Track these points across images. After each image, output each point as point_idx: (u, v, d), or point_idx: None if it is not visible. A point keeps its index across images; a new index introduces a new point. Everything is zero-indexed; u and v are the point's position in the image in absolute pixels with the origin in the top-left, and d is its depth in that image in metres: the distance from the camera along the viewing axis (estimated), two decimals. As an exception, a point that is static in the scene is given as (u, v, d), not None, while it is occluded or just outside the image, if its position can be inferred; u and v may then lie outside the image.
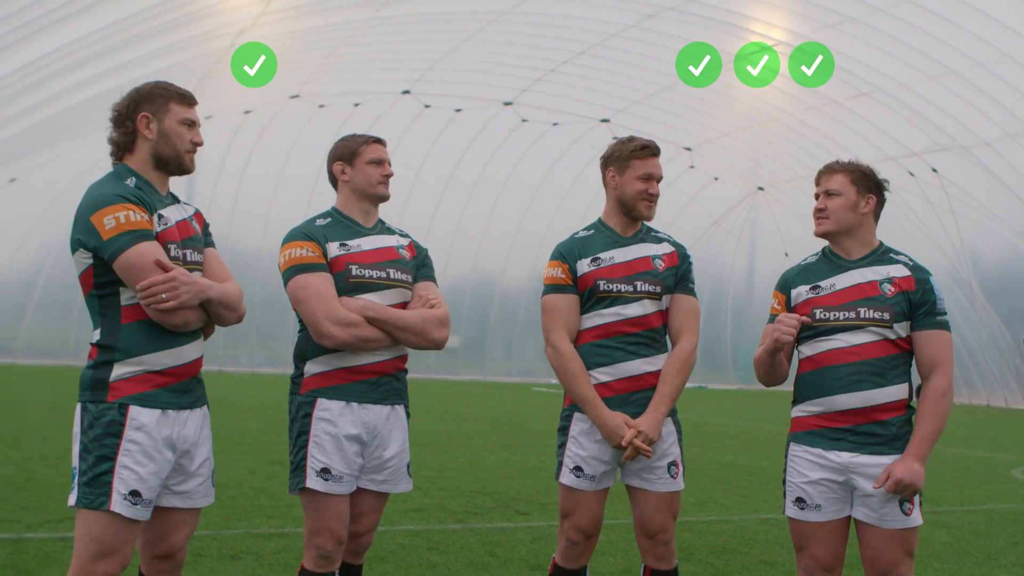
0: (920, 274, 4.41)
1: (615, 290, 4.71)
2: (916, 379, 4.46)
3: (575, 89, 29.43)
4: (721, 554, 7.64)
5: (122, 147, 4.05)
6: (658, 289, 4.75)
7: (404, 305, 4.69)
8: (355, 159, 4.77)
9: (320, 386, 4.56)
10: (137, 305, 3.86)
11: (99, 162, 30.91)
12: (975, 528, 9.18)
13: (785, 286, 4.60)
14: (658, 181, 4.84)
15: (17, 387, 20.77)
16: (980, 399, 33.61)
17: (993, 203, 28.04)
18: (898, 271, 4.42)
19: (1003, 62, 22.40)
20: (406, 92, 29.95)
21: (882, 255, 4.50)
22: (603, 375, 4.70)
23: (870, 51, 23.80)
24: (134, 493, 3.81)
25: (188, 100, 4.08)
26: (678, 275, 4.82)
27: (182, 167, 4.08)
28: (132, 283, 3.82)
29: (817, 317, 4.43)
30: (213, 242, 4.29)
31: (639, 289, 4.73)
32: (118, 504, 3.78)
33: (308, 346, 4.61)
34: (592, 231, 4.89)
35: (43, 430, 13.12)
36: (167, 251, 3.92)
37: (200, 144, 4.10)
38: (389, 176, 4.81)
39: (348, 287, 4.57)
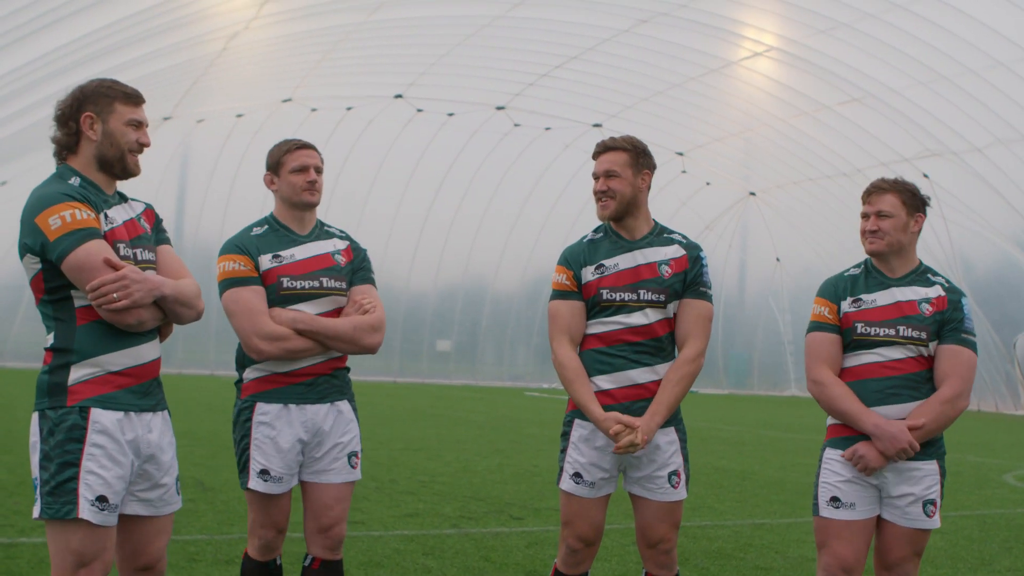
0: (954, 295, 4.62)
1: (618, 299, 4.66)
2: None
3: (567, 94, 29.47)
4: (716, 559, 7.63)
5: (65, 147, 3.90)
6: (662, 298, 4.66)
7: (339, 311, 4.72)
8: (280, 169, 4.78)
9: (258, 391, 4.69)
10: (92, 306, 3.72)
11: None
12: (968, 534, 9.20)
13: (835, 295, 4.70)
14: (609, 177, 4.72)
15: (7, 390, 20.70)
16: (971, 404, 33.66)
17: (984, 209, 28.12)
18: (935, 292, 4.60)
19: (994, 68, 22.47)
20: (399, 96, 29.95)
21: (922, 275, 4.67)
22: (605, 382, 4.67)
23: (862, 57, 23.88)
24: (101, 499, 3.67)
25: (135, 100, 3.92)
26: (687, 280, 4.70)
27: (126, 169, 3.91)
28: (82, 284, 3.67)
29: (858, 331, 4.58)
30: (167, 238, 4.13)
31: (642, 298, 4.65)
32: (86, 511, 3.64)
33: (246, 353, 4.71)
34: (601, 234, 4.83)
35: (34, 434, 13.05)
36: (116, 251, 3.78)
37: (147, 145, 3.93)
38: (313, 181, 4.75)
39: (280, 299, 4.64)
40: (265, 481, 4.62)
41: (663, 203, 32.40)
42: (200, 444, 12.53)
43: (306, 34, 24.56)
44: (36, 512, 3.70)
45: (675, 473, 4.70)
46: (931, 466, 4.54)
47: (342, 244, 4.86)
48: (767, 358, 39.28)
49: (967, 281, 30.77)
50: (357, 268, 4.84)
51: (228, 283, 4.64)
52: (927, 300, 4.56)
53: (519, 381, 36.49)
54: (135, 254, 3.88)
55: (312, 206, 4.80)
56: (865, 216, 4.65)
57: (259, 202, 31.19)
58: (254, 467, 4.63)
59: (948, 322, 4.53)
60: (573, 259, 4.79)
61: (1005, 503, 11.44)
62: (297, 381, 4.65)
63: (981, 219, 28.47)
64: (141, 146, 3.92)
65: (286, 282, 4.64)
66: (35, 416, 3.77)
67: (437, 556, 7.27)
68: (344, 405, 4.78)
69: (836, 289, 4.70)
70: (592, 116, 30.87)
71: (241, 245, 4.71)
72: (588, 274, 4.73)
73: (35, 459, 3.72)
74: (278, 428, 4.62)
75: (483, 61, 27.55)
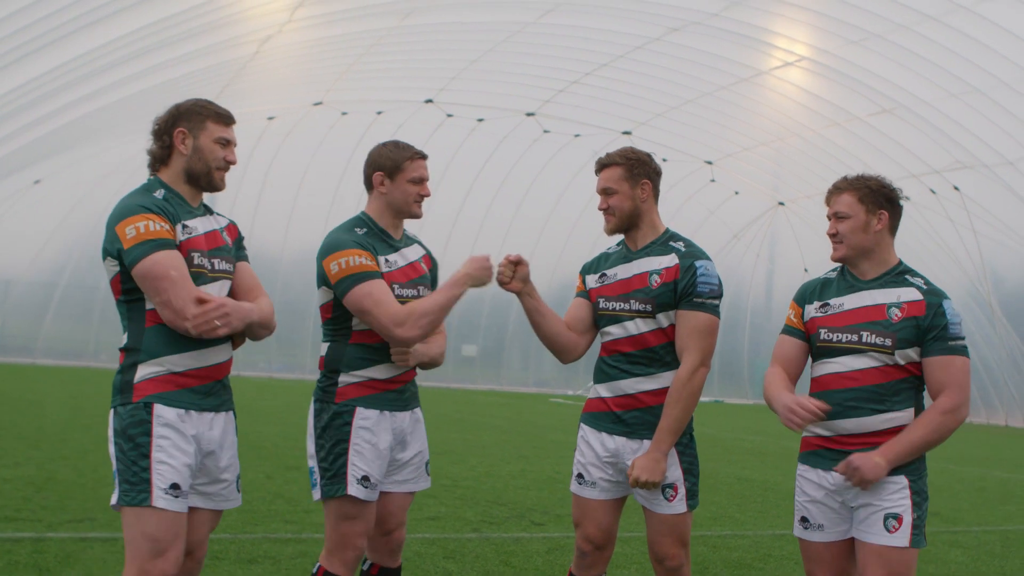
0: (932, 298, 4.26)
1: (611, 308, 4.72)
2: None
3: (597, 101, 29.47)
4: (735, 569, 7.64)
5: (158, 159, 4.19)
6: (649, 307, 4.61)
7: None
8: (397, 174, 4.72)
9: (358, 395, 4.58)
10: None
11: (122, 165, 30.68)
12: (991, 549, 9.15)
13: (802, 299, 4.54)
14: (607, 194, 4.72)
15: (37, 387, 20.89)
16: (998, 419, 33.42)
17: (1014, 222, 27.92)
18: (910, 295, 4.28)
19: (1027, 81, 22.32)
20: (429, 101, 30.06)
21: (897, 276, 4.37)
22: (604, 391, 4.73)
23: (893, 68, 23.76)
24: (174, 486, 3.91)
25: (225, 120, 4.20)
26: (678, 290, 4.59)
27: (212, 184, 4.19)
28: (147, 290, 3.93)
29: (821, 337, 4.37)
30: (246, 256, 4.36)
31: (632, 308, 4.65)
32: (159, 499, 3.88)
33: (343, 357, 4.61)
34: (620, 247, 4.89)
35: (63, 431, 13.21)
36: (190, 259, 4.02)
37: (233, 163, 4.20)
38: (426, 196, 4.79)
39: None
40: (365, 488, 4.51)
41: (691, 212, 32.36)
42: (226, 444, 12.63)
43: (338, 38, 24.68)
44: (114, 500, 3.95)
45: (671, 486, 4.60)
46: (897, 479, 4.20)
47: (423, 252, 4.91)
48: (793, 369, 39.05)
49: (997, 294, 30.58)
50: (435, 278, 4.93)
51: (357, 278, 4.47)
52: (898, 304, 4.24)
53: (544, 387, 36.49)
54: (213, 264, 4.14)
55: (416, 218, 4.80)
56: (828, 219, 4.48)
57: (288, 204, 31.46)
58: (354, 473, 4.50)
59: (930, 330, 4.20)
60: (584, 267, 4.97)
61: (1030, 519, 11.36)
62: (392, 388, 4.64)
63: (1012, 232, 28.26)
64: (228, 163, 4.20)
65: (396, 289, 4.59)
66: (111, 412, 4.05)
67: (458, 560, 7.32)
68: (420, 413, 4.84)
69: (805, 293, 4.53)
70: (622, 124, 30.88)
71: (360, 242, 4.58)
72: (591, 282, 4.86)
73: (112, 451, 4.00)
74: (378, 435, 4.57)
75: (513, 67, 27.60)
